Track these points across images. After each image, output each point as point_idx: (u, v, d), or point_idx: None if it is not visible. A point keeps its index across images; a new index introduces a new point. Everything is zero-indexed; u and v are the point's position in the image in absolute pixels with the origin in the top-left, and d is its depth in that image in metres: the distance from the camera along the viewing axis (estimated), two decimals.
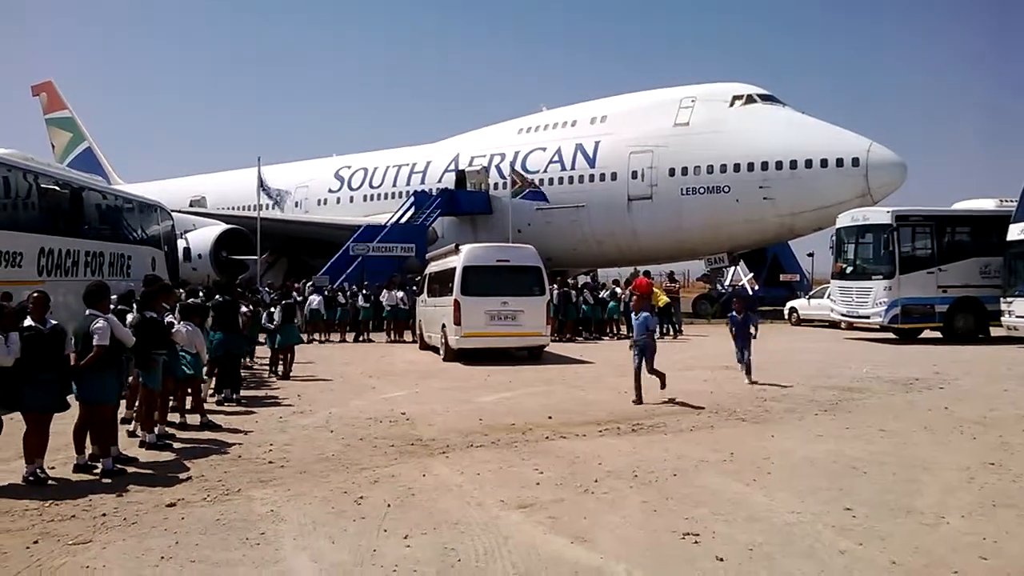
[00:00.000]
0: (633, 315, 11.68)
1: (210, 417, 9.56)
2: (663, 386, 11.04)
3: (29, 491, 6.47)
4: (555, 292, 20.52)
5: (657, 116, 29.40)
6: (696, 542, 5.14)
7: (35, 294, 7.03)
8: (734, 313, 12.90)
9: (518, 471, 7.07)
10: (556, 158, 31.36)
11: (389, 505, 6.00)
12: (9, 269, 13.13)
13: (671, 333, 22.25)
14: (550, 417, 9.70)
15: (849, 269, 21.04)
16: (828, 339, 21.50)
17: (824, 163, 26.23)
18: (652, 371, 11.01)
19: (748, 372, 12.51)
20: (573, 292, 22.59)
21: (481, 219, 32.55)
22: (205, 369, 10.35)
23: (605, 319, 23.55)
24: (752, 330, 12.62)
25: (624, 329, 23.30)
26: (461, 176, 33.82)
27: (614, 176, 29.62)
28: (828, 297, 23.26)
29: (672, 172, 28.31)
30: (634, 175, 29.04)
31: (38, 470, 6.74)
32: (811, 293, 28.02)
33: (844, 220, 21.49)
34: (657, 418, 9.67)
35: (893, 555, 4.90)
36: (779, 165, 26.68)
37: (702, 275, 34.40)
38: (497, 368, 14.93)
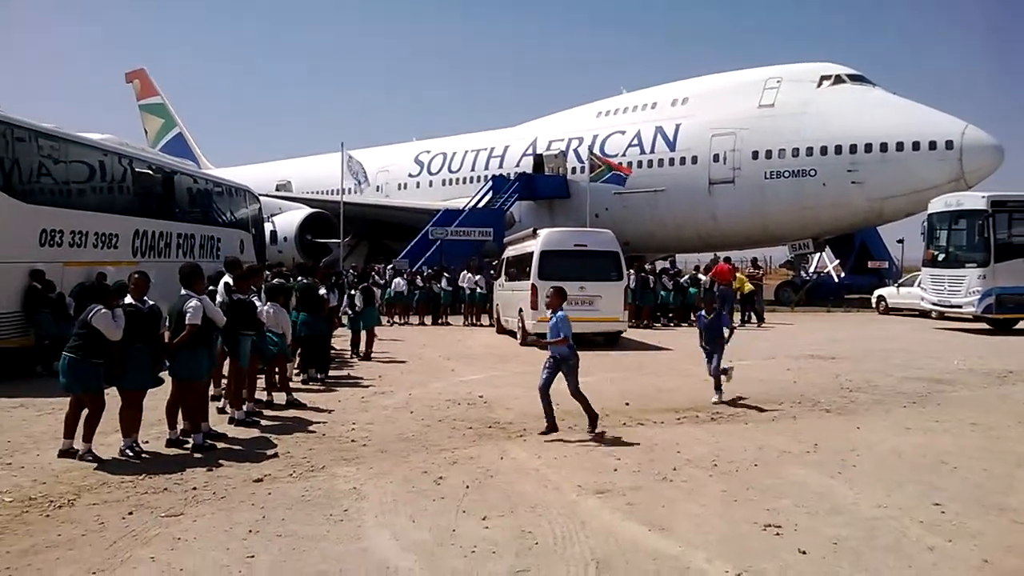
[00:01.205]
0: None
1: (295, 396, 9.86)
2: (591, 424, 8.08)
3: (125, 464, 6.81)
4: (633, 277, 20.36)
5: (740, 97, 28.75)
6: (778, 534, 5.07)
7: (135, 275, 7.37)
8: (702, 313, 10.48)
9: (595, 457, 7.08)
10: (635, 141, 31.02)
11: (467, 486, 6.09)
12: (106, 250, 13.74)
13: (753, 321, 21.83)
14: (627, 403, 9.67)
15: (941, 256, 20.28)
16: (918, 329, 20.74)
17: (916, 146, 25.26)
18: (574, 393, 8.14)
19: (718, 387, 9.96)
20: (651, 277, 22.35)
21: (559, 203, 32.49)
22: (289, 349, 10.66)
23: (685, 305, 23.23)
24: (725, 333, 10.23)
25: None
26: (539, 160, 33.79)
27: (695, 159, 29.14)
28: (918, 285, 22.46)
29: (756, 155, 27.69)
30: (716, 158, 28.50)
31: (134, 444, 7.08)
32: (900, 281, 27.07)
33: (937, 205, 20.69)
34: (737, 407, 9.53)
35: (984, 553, 4.74)
36: (868, 148, 25.81)
37: (785, 261, 33.64)
38: None
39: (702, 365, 10.16)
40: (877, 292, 27.14)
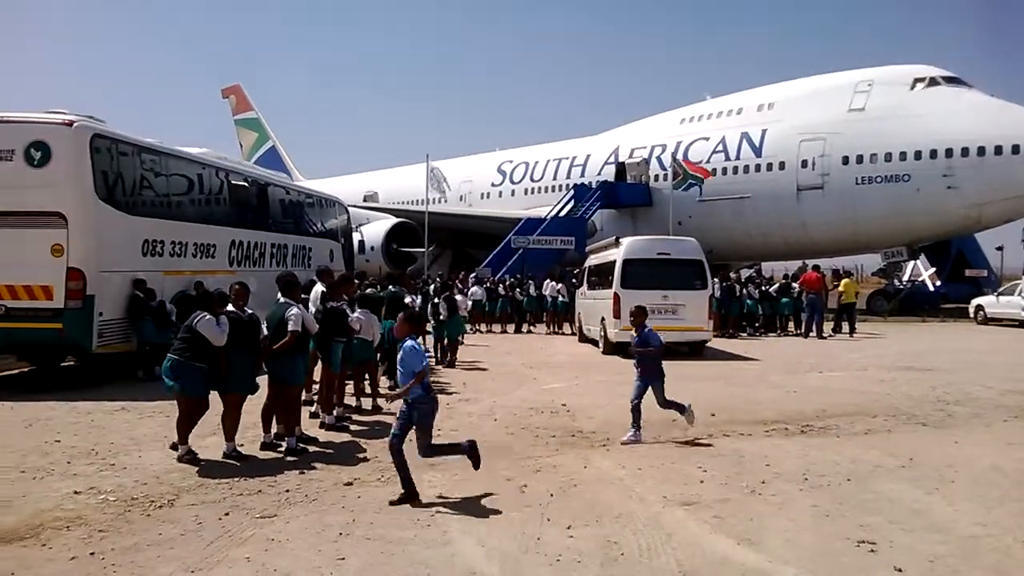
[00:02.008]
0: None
1: (381, 402, 10.06)
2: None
3: (222, 466, 7.07)
4: (718, 286, 20.03)
5: (829, 102, 27.99)
6: (872, 550, 4.92)
7: (236, 285, 7.74)
8: (636, 336, 8.57)
9: (680, 468, 7.00)
10: (720, 148, 30.53)
11: (551, 495, 6.10)
12: (204, 260, 14.32)
13: (845, 331, 21.18)
14: (713, 415, 9.51)
15: None
16: (1019, 340, 19.78)
17: (1016, 149, 24.11)
18: (422, 452, 6.31)
19: (635, 421, 8.13)
20: (737, 286, 21.94)
21: (641, 211, 32.25)
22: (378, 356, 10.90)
23: (775, 315, 22.70)
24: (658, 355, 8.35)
25: (792, 326, 22.43)
26: (621, 168, 33.61)
27: (782, 165, 28.51)
28: (1019, 294, 21.39)
29: (846, 160, 26.90)
30: (804, 164, 27.82)
31: (238, 448, 7.38)
32: (1000, 290, 25.84)
33: None
34: (828, 420, 9.26)
35: None
36: (965, 152, 24.76)
37: (878, 269, 32.54)
38: None
39: (792, 376, 9.84)
40: (975, 301, 25.99)
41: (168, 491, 6.27)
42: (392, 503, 5.90)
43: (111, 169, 12.14)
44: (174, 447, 7.30)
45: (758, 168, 29.29)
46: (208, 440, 7.62)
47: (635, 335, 8.63)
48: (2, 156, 11.18)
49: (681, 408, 8.31)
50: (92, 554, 4.87)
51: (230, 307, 7.44)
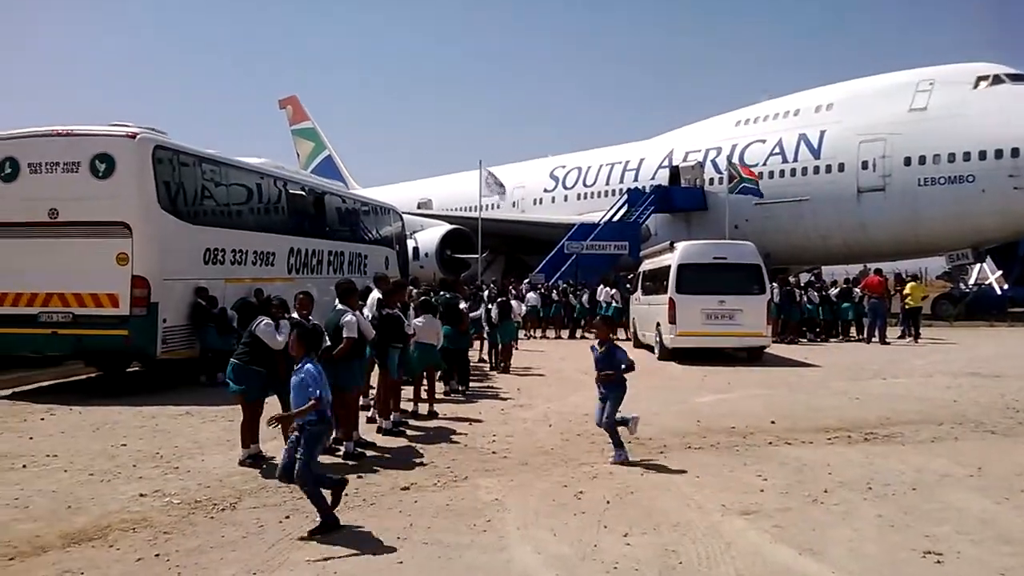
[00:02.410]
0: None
1: (436, 408, 10.13)
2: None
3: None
4: (776, 291, 19.71)
5: (890, 101, 27.34)
6: (939, 561, 4.77)
7: (300, 294, 7.99)
8: (595, 347, 7.87)
9: (740, 476, 6.89)
10: (777, 150, 30.05)
11: (608, 502, 6.06)
12: (263, 267, 14.60)
13: (909, 336, 20.62)
14: (773, 422, 9.35)
15: None
16: None
17: None
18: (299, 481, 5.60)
19: (615, 441, 7.47)
20: (797, 291, 21.53)
21: (696, 215, 31.90)
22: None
23: (836, 320, 22.22)
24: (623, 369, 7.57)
25: (854, 331, 21.95)
26: (675, 172, 33.31)
27: (841, 167, 27.93)
28: None
29: (908, 161, 26.24)
30: (864, 165, 27.22)
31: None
32: None
33: None
34: (893, 427, 9.02)
35: None
36: None
37: (943, 273, 31.61)
38: (714, 368, 14.59)
39: (855, 382, 9.59)
40: None
41: (230, 494, 6.39)
42: (303, 538, 5.24)
43: (173, 180, 12.45)
44: (254, 459, 7.42)
45: (816, 170, 28.74)
46: (270, 444, 7.75)
47: (598, 351, 7.63)
48: (69, 168, 11.55)
49: (624, 422, 7.51)
50: (157, 555, 4.99)
51: (295, 315, 7.59)
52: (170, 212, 12.20)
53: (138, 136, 11.82)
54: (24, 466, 7.28)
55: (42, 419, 9.69)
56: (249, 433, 7.44)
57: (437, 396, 10.83)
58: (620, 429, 7.51)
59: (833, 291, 22.50)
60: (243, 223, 14.47)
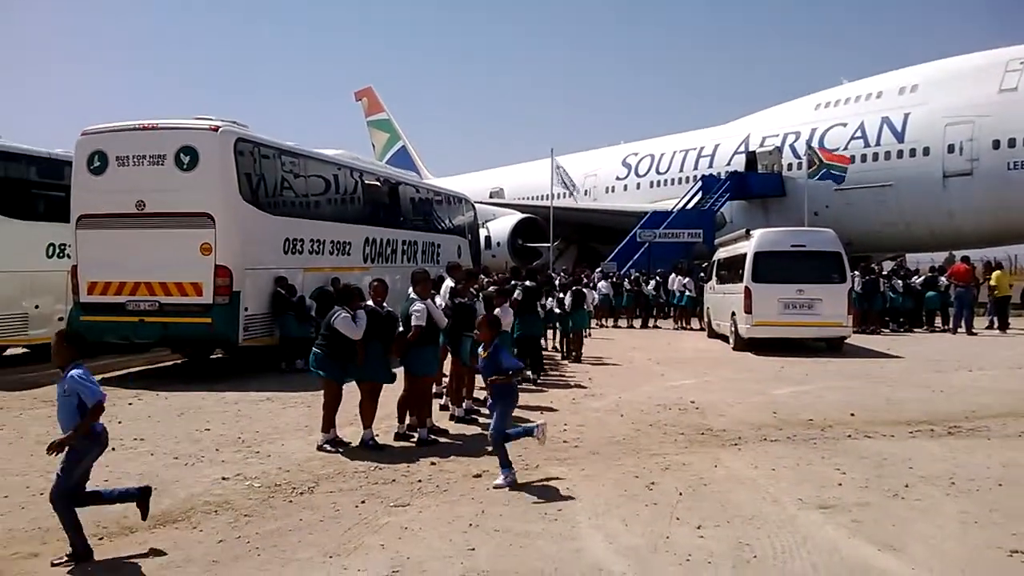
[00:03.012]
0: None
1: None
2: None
3: (358, 455, 7.33)
4: (858, 279, 19.15)
5: (978, 82, 26.11)
6: None
7: (375, 282, 8.10)
8: (479, 351, 6.98)
9: (817, 469, 6.73)
10: (858, 134, 29.05)
11: (681, 493, 6.00)
12: (340, 257, 14.89)
13: (996, 327, 19.79)
14: (852, 414, 9.10)
15: None
16: None
17: None
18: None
19: (501, 459, 6.37)
20: (881, 279, 20.86)
21: (773, 202, 31.14)
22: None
23: (921, 309, 21.47)
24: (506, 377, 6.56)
25: (939, 321, 21.18)
26: (751, 158, 32.56)
27: (926, 151, 26.85)
28: None
29: (996, 144, 25.05)
30: (951, 149, 26.11)
31: (375, 436, 7.69)
32: None
33: None
34: (978, 421, 8.68)
35: None
36: None
37: None
38: (791, 360, 14.28)
39: (939, 374, 9.25)
40: None
41: (308, 479, 6.56)
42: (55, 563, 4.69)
43: (254, 171, 12.78)
44: (334, 443, 7.61)
45: (900, 154, 27.70)
46: (346, 430, 7.92)
47: (482, 355, 6.68)
48: (155, 161, 11.95)
49: (528, 432, 6.59)
50: (238, 537, 5.16)
51: (370, 302, 7.76)
52: (251, 203, 12.53)
53: (220, 129, 12.14)
54: (113, 449, 7.56)
55: (130, 404, 10.10)
56: (328, 419, 7.63)
57: None
58: (524, 441, 6.79)
59: (917, 279, 21.75)
60: (321, 213, 14.77)
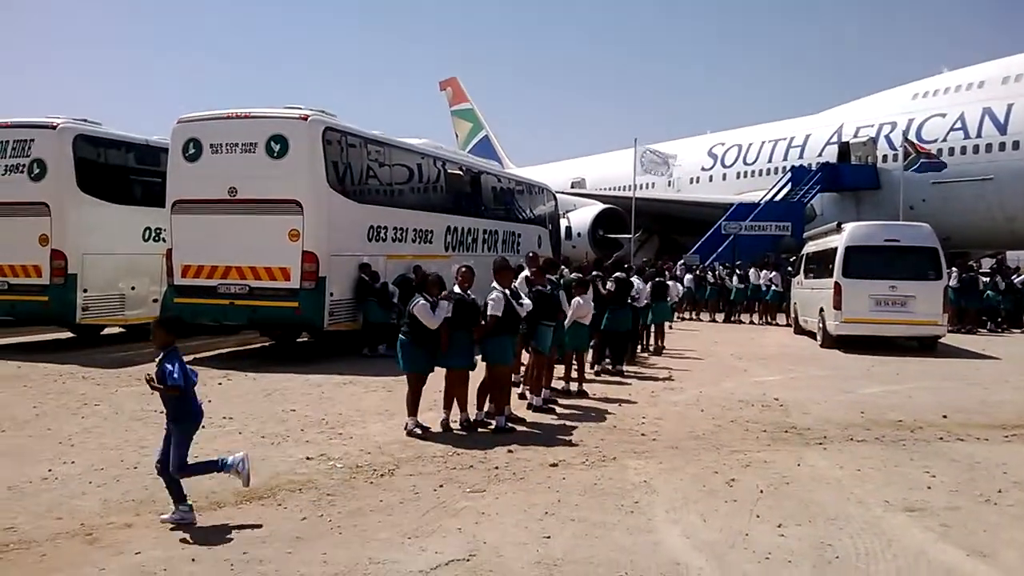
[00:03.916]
0: None
1: (586, 387, 10.14)
2: None
3: (437, 440, 7.44)
4: (955, 276, 18.37)
5: None
6: None
7: (463, 268, 8.17)
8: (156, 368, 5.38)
9: (905, 471, 6.51)
10: (958, 125, 27.79)
11: (761, 491, 5.89)
12: (422, 245, 15.09)
13: None
14: (945, 416, 8.75)
15: None
16: None
17: None
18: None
19: (173, 493, 5.18)
20: (981, 277, 19.96)
21: (866, 195, 30.08)
22: (592, 341, 10.99)
23: (1021, 309, 20.49)
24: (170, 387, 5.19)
25: None
26: (844, 149, 31.49)
27: None
28: None
29: None
30: None
31: (469, 418, 7.88)
32: None
33: None
34: None
35: None
36: None
37: None
38: (881, 358, 13.81)
39: None
40: None
41: (389, 461, 6.69)
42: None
43: (341, 160, 13.03)
44: (415, 431, 7.67)
45: (1002, 147, 26.38)
46: (426, 415, 8.04)
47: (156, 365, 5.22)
48: (247, 148, 12.29)
49: (223, 466, 5.40)
50: (320, 516, 5.30)
51: (456, 288, 7.87)
52: (338, 191, 12.77)
53: (309, 118, 12.41)
54: (204, 427, 7.90)
55: (220, 384, 10.45)
56: (413, 404, 7.77)
57: (588, 376, 10.84)
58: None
59: (1017, 278, 20.72)
60: (404, 202, 14.98)
